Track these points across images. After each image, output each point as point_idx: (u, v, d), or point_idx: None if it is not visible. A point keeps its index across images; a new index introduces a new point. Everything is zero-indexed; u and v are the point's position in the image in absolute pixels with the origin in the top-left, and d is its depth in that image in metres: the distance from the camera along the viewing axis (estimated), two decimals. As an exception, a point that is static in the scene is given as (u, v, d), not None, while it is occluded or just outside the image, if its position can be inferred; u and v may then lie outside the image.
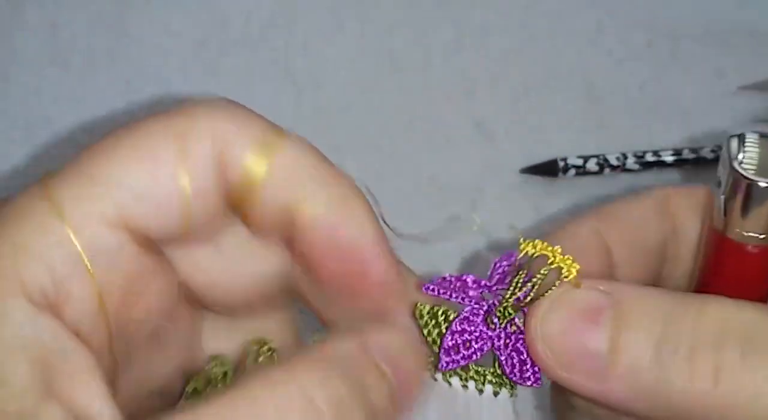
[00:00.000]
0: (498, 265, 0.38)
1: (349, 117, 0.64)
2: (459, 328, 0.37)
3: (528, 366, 0.37)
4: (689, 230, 0.42)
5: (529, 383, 0.38)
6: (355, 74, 0.65)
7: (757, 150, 0.37)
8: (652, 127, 0.64)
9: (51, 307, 0.32)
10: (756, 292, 0.37)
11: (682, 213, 0.42)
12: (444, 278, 0.38)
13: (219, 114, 0.35)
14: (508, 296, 0.37)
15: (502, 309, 0.37)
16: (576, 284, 0.36)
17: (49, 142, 0.63)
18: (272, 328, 0.40)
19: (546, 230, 0.42)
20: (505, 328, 0.37)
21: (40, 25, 0.65)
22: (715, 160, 0.49)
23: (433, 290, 0.38)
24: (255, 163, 0.35)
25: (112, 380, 0.34)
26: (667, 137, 0.63)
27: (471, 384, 0.38)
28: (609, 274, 0.41)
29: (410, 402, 0.36)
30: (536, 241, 0.37)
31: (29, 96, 0.64)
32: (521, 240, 0.38)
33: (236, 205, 0.36)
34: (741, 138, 0.37)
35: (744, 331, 0.34)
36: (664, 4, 0.68)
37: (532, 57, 0.66)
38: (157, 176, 0.34)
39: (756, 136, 0.37)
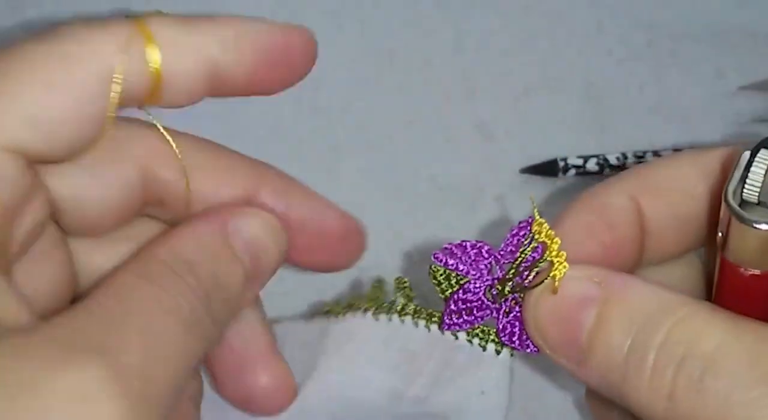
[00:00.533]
0: (510, 237, 0.39)
1: (349, 117, 0.64)
2: (462, 297, 0.39)
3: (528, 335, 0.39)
4: None
5: (528, 350, 0.39)
6: (355, 74, 0.65)
7: (763, 171, 0.34)
8: (652, 127, 0.64)
9: None
10: (752, 310, 0.35)
11: None
12: (460, 244, 0.39)
13: (103, 33, 0.37)
14: (508, 276, 0.39)
15: (499, 287, 0.39)
16: (554, 290, 0.37)
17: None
18: (143, 234, 0.41)
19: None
20: (505, 301, 0.39)
21: (40, 25, 0.65)
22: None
23: (440, 259, 0.39)
24: (153, 55, 0.36)
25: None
26: (667, 137, 0.63)
27: (476, 340, 0.41)
28: (638, 246, 0.40)
29: (263, 284, 0.40)
30: (545, 225, 0.38)
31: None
32: (537, 216, 0.39)
33: (149, 101, 0.37)
34: (755, 152, 0.34)
35: (709, 351, 0.33)
36: (664, 4, 0.67)
37: (532, 57, 0.66)
38: (50, 100, 0.34)
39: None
